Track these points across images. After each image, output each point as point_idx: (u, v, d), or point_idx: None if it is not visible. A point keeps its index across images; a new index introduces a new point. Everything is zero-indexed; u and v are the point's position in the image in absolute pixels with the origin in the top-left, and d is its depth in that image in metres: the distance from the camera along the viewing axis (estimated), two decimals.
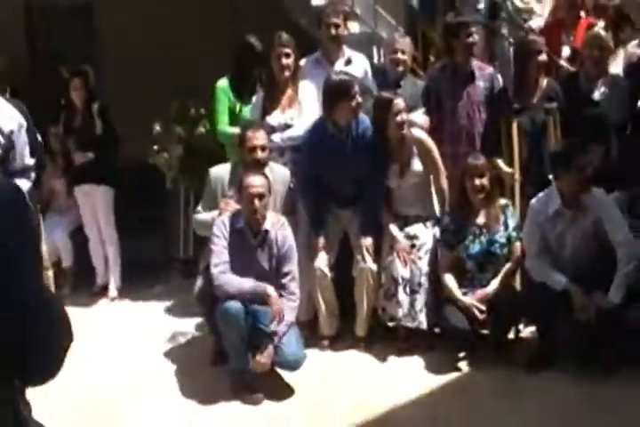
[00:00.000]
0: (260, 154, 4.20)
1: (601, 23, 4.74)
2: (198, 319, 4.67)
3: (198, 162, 5.32)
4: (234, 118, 4.83)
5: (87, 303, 5.43)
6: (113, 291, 5.58)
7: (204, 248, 4.28)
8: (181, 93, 5.67)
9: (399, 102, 4.26)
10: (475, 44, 4.60)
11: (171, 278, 5.78)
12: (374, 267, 4.29)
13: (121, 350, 4.55)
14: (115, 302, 5.52)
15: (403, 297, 4.20)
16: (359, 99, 4.24)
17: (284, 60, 4.54)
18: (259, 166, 4.17)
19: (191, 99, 5.67)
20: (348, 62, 4.81)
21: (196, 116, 5.66)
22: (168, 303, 5.28)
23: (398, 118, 4.24)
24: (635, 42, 5.02)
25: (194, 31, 6.58)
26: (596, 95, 4.50)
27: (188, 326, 4.80)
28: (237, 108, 4.83)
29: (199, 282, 4.11)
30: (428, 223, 4.39)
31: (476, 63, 4.68)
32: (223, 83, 4.88)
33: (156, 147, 5.72)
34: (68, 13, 7.17)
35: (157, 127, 5.74)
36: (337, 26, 4.77)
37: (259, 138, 4.21)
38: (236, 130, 4.64)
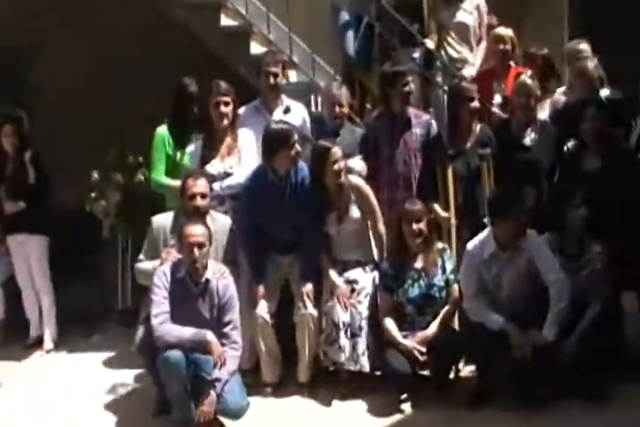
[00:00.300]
0: (199, 201, 4.23)
1: (529, 72, 4.93)
2: (139, 370, 4.59)
3: (137, 209, 5.30)
4: (174, 166, 4.83)
5: (20, 357, 5.28)
6: (48, 343, 5.42)
7: (145, 297, 4.25)
8: (120, 140, 5.69)
9: (336, 151, 4.34)
10: (411, 93, 4.72)
11: (109, 328, 5.66)
12: (315, 313, 4.33)
13: (59, 405, 4.45)
14: (50, 354, 5.36)
15: (344, 341, 4.25)
16: (298, 147, 4.32)
17: (223, 109, 4.60)
18: (199, 214, 4.19)
19: (129, 146, 5.68)
20: (287, 111, 4.89)
21: (135, 163, 5.66)
22: (107, 354, 5.17)
23: (335, 167, 4.31)
24: (561, 89, 5.26)
25: (133, 77, 6.61)
26: (527, 141, 4.69)
27: (129, 377, 4.72)
28: (177, 156, 4.84)
29: (140, 332, 4.09)
30: (367, 268, 4.47)
31: (412, 111, 4.81)
32: (162, 130, 4.90)
33: (93, 194, 5.69)
34: None
35: (95, 175, 5.71)
36: (275, 75, 4.87)
37: (199, 186, 4.25)
38: (170, 181, 4.70)
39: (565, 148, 4.60)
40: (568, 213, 4.21)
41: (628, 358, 4.29)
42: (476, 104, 4.63)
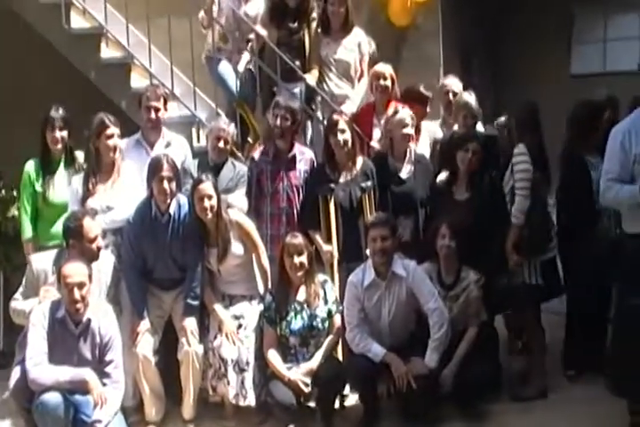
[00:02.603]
0: (100, 243, 4.19)
1: (402, 106, 5.05)
2: (14, 418, 4.33)
3: (9, 247, 5.11)
4: (44, 202, 4.73)
5: None
6: None
7: (20, 338, 4.11)
8: None
9: (204, 188, 4.30)
10: (292, 129, 4.78)
11: None
12: (199, 349, 4.31)
13: None
14: None
15: (232, 377, 4.25)
16: (169, 182, 4.28)
17: (112, 142, 4.55)
18: (96, 257, 4.16)
19: (3, 178, 5.50)
20: (168, 145, 4.89)
21: (8, 197, 5.47)
22: None
23: (206, 204, 4.29)
24: (438, 121, 5.46)
25: (7, 107, 6.44)
26: (404, 173, 4.84)
27: (3, 425, 4.48)
28: (47, 191, 4.72)
29: (14, 376, 3.94)
30: (253, 302, 4.49)
31: (298, 147, 4.90)
32: (28, 166, 4.80)
33: None
34: None
35: None
36: (157, 109, 4.86)
37: (93, 229, 4.17)
38: (28, 232, 4.65)
39: (438, 179, 4.80)
40: (437, 243, 4.38)
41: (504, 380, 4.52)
42: (346, 137, 4.70)
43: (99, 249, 4.20)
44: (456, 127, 5.17)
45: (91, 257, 4.13)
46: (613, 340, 4.03)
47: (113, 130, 4.56)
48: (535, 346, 4.61)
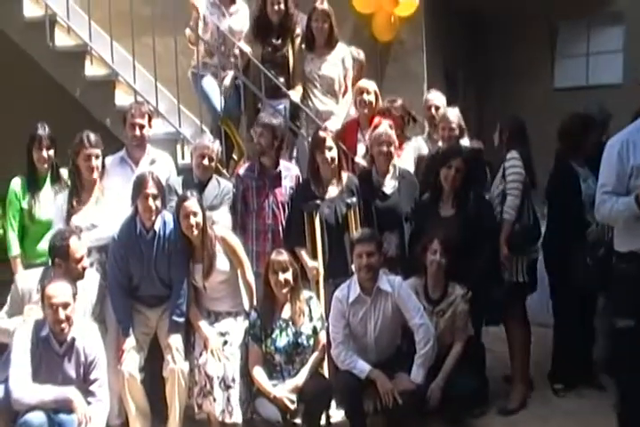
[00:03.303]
0: (85, 263, 4.19)
1: (386, 122, 5.09)
2: None
3: None
4: (30, 218, 4.73)
5: None
6: None
7: (6, 357, 4.09)
8: None
9: (189, 205, 4.30)
10: (274, 146, 4.77)
11: None
12: (185, 366, 4.30)
13: None
14: None
15: (218, 394, 4.23)
16: (155, 199, 4.28)
17: (93, 162, 4.55)
18: (82, 277, 4.16)
19: None
20: (153, 162, 4.90)
21: None
22: None
23: (191, 221, 4.29)
24: (423, 136, 5.49)
25: None
26: (388, 189, 4.85)
27: None
28: (33, 208, 4.73)
29: None
30: (239, 318, 4.48)
31: (283, 164, 4.90)
32: (14, 183, 4.80)
33: None
34: None
35: None
36: (141, 126, 4.87)
37: (80, 250, 4.17)
38: (16, 249, 4.65)
39: (423, 195, 4.81)
40: (426, 258, 4.40)
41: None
42: (332, 154, 4.70)
43: (84, 269, 4.20)
44: (441, 141, 5.21)
45: (76, 276, 4.12)
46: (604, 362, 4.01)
47: (91, 150, 4.53)
48: (518, 348, 4.63)
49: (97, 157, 4.56)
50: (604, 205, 3.67)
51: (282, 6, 5.44)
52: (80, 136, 4.58)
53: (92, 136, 4.60)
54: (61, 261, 4.15)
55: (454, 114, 5.18)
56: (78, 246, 4.17)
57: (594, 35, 8.87)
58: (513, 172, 4.55)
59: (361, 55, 5.77)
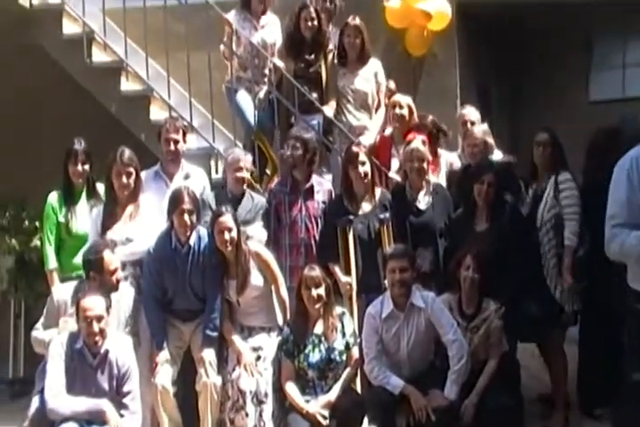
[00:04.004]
0: (117, 276, 4.23)
1: (420, 137, 5.08)
2: None
3: (32, 275, 5.16)
4: (68, 233, 4.78)
5: None
6: None
7: (42, 368, 4.14)
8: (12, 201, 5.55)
9: (224, 220, 4.32)
10: (306, 159, 4.79)
11: None
12: (218, 380, 4.30)
13: None
14: None
15: (251, 409, 4.24)
16: (190, 214, 4.31)
17: (125, 180, 4.57)
18: (117, 288, 4.21)
19: (28, 207, 5.56)
20: (187, 177, 4.94)
21: (31, 228, 5.54)
22: None
23: (226, 236, 4.32)
24: (454, 153, 5.47)
25: (33, 136, 6.53)
26: (422, 204, 4.83)
27: None
28: (70, 222, 4.78)
29: (34, 405, 3.97)
30: (272, 333, 4.48)
31: (315, 178, 4.92)
32: (51, 198, 4.86)
33: None
34: None
35: None
36: (176, 141, 4.92)
37: (113, 262, 4.21)
38: (52, 262, 4.70)
39: (458, 210, 4.79)
40: (460, 274, 4.37)
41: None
42: (366, 169, 4.70)
43: (118, 281, 4.24)
44: (471, 157, 5.17)
45: (110, 289, 4.17)
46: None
47: (121, 168, 4.53)
48: (561, 374, 4.57)
49: (128, 174, 4.56)
50: (614, 240, 3.13)
51: (315, 22, 5.47)
52: (114, 152, 4.61)
53: (127, 153, 4.60)
54: (95, 274, 4.20)
55: (480, 130, 5.17)
56: (112, 259, 4.21)
57: (630, 47, 8.78)
58: (570, 195, 4.49)
59: (392, 85, 5.76)
